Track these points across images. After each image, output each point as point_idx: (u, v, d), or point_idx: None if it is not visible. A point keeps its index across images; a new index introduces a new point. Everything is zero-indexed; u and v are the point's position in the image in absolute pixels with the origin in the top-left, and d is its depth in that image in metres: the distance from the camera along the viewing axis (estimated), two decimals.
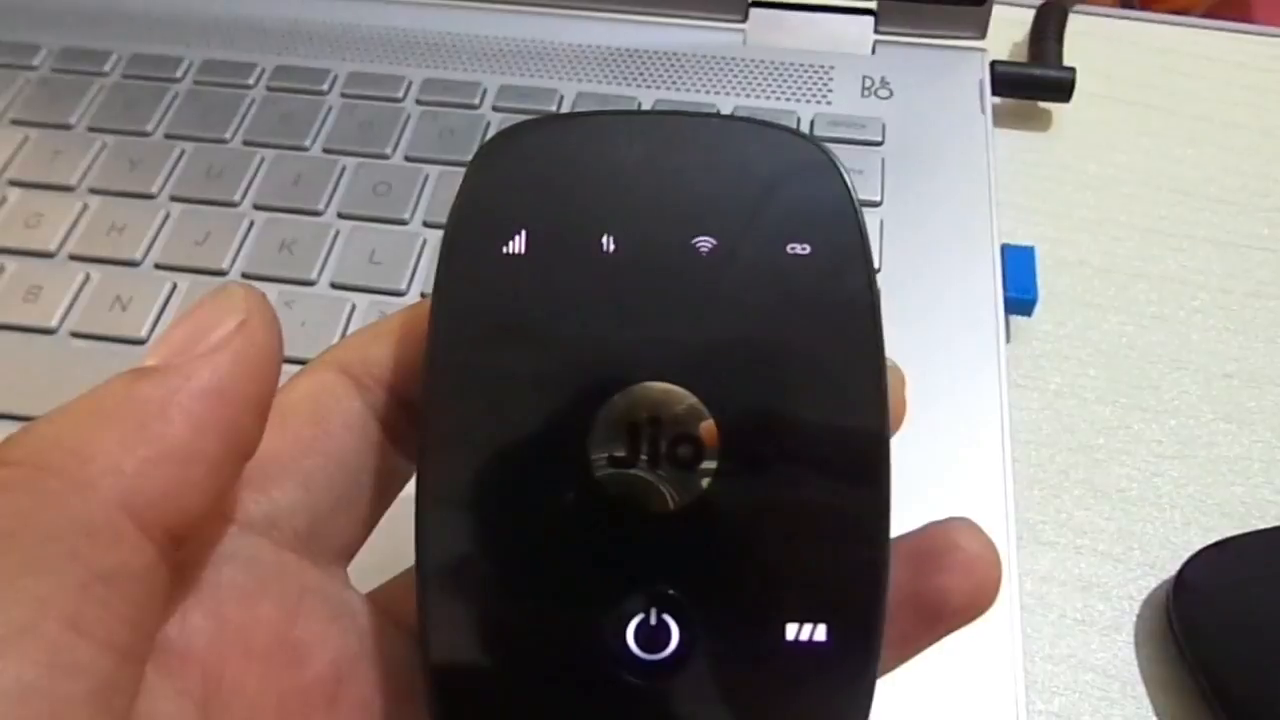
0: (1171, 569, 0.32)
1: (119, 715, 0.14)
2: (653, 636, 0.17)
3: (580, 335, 0.18)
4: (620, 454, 0.17)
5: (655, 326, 0.18)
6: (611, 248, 0.18)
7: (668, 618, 0.17)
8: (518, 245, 0.18)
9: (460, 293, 0.18)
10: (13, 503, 0.14)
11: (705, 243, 0.18)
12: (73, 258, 0.37)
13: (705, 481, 0.17)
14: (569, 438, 0.17)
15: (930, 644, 0.18)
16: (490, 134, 0.40)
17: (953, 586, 0.17)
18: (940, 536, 0.18)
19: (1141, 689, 0.31)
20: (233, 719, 0.16)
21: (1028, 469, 0.35)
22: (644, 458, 0.17)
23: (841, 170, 0.18)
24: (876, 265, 0.36)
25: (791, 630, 0.17)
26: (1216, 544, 0.32)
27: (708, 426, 0.17)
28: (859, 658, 0.17)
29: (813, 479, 0.17)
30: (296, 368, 0.34)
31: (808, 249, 0.18)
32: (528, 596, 0.17)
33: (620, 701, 0.17)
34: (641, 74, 0.42)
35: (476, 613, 0.17)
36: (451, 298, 0.18)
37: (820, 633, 0.17)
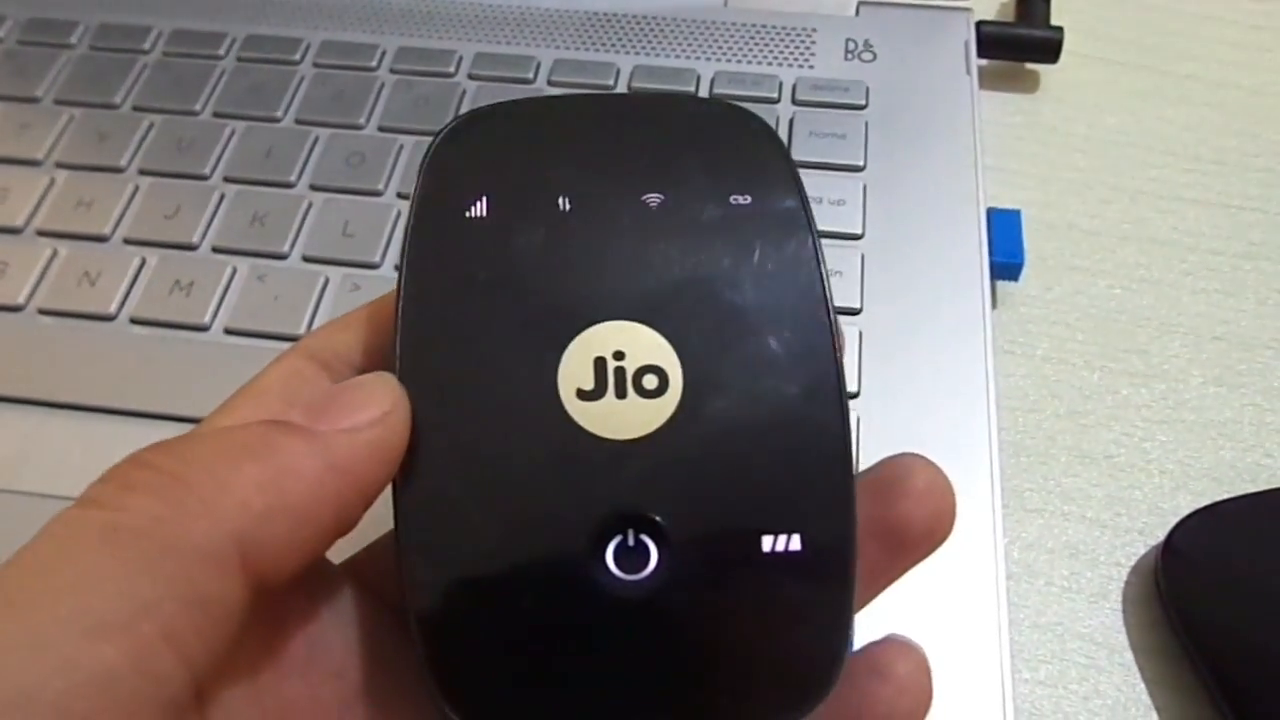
0: (1160, 534, 0.31)
1: None
2: (632, 557, 0.17)
3: (544, 284, 0.19)
4: (589, 387, 0.18)
5: (613, 272, 0.19)
6: (568, 206, 0.19)
7: (645, 538, 0.17)
8: (480, 209, 0.20)
9: (427, 256, 0.19)
10: (150, 505, 0.15)
11: (654, 198, 0.20)
12: (40, 233, 0.36)
13: (671, 408, 0.18)
14: (539, 377, 0.18)
15: (899, 575, 0.19)
16: (466, 103, 0.39)
17: (912, 513, 0.18)
18: (895, 468, 0.19)
19: (1129, 655, 0.30)
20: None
21: (1014, 435, 0.34)
22: (612, 389, 0.18)
23: (772, 130, 0.21)
24: (860, 231, 0.35)
25: (767, 542, 0.17)
26: (1205, 509, 0.31)
27: (669, 357, 0.18)
28: (836, 563, 0.18)
29: (770, 398, 0.18)
30: (272, 344, 0.34)
31: (749, 199, 0.20)
32: (507, 531, 0.18)
33: (603, 623, 0.17)
34: (620, 39, 0.41)
35: (456, 548, 0.18)
36: (419, 261, 0.19)
37: (795, 542, 0.17)
